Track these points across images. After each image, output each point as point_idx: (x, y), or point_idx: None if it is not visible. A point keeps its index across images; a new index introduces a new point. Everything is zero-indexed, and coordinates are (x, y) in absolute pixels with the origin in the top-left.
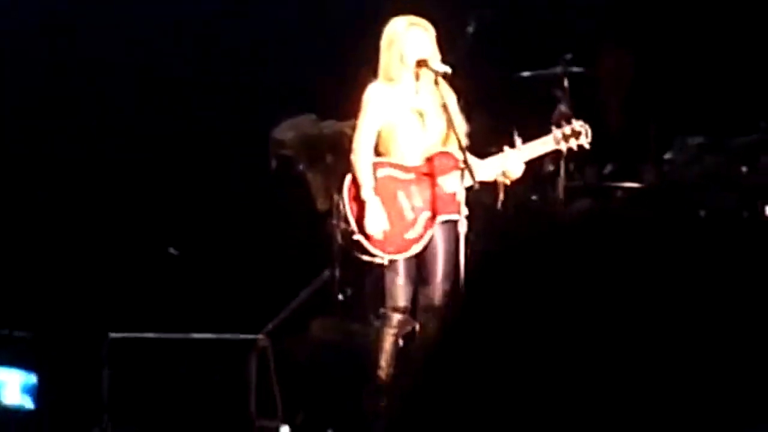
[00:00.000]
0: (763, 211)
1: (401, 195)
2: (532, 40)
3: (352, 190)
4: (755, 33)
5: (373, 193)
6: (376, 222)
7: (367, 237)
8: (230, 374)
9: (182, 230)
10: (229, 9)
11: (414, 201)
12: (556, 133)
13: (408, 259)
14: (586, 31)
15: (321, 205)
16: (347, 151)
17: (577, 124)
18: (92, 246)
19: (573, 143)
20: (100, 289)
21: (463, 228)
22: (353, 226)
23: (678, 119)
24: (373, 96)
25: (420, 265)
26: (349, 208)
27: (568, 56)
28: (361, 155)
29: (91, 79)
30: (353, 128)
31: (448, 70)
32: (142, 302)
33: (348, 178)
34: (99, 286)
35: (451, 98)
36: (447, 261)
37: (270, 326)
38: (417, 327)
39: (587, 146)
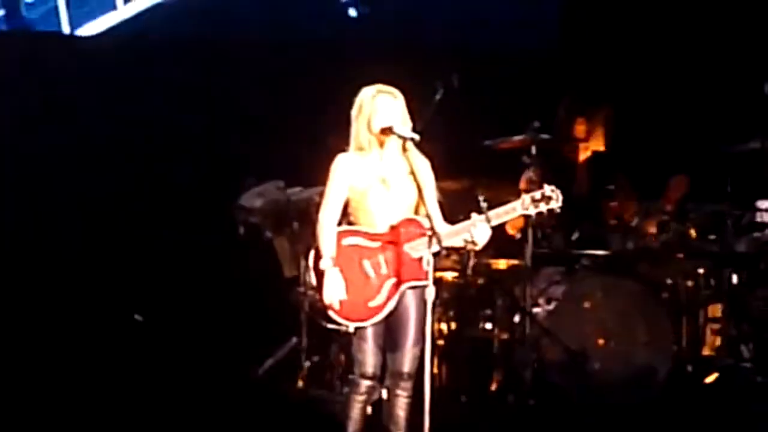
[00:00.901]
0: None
1: (366, 263)
2: (500, 106)
3: (317, 258)
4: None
5: (332, 263)
6: (333, 292)
7: (331, 305)
8: None
9: (149, 297)
10: (199, 74)
11: (379, 269)
12: (525, 198)
13: (376, 326)
14: (555, 98)
15: (288, 272)
16: (315, 218)
17: (548, 189)
18: (57, 314)
19: (543, 207)
20: (66, 356)
21: (431, 295)
22: (319, 294)
23: (642, 187)
24: (339, 165)
25: (390, 331)
26: (314, 277)
27: (536, 124)
28: (324, 225)
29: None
30: (321, 195)
31: (415, 136)
32: (108, 370)
33: (313, 249)
34: (65, 351)
35: (423, 165)
36: (417, 328)
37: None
38: (384, 394)
39: (557, 210)
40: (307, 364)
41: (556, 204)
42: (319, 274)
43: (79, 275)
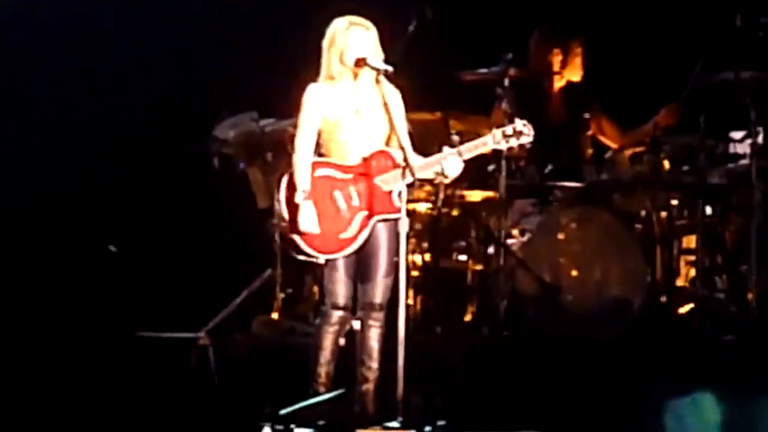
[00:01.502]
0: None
1: (338, 195)
2: (474, 37)
3: (288, 190)
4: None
5: (306, 195)
6: (308, 224)
7: (302, 236)
8: (172, 372)
9: (123, 228)
10: (174, 7)
11: (351, 201)
12: (496, 133)
13: (348, 257)
14: (527, 29)
15: (262, 203)
16: (289, 148)
17: (519, 123)
18: (36, 245)
19: (514, 142)
20: (44, 286)
21: (404, 227)
22: (289, 226)
23: (619, 117)
24: (311, 96)
25: (361, 263)
26: (285, 208)
27: (509, 55)
28: (300, 156)
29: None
30: (295, 126)
31: (388, 68)
32: (84, 301)
33: (285, 178)
34: (44, 284)
35: (394, 96)
36: (388, 259)
37: (211, 325)
38: (357, 325)
39: (528, 145)
40: (281, 295)
41: (527, 139)
42: (291, 206)
43: (56, 209)
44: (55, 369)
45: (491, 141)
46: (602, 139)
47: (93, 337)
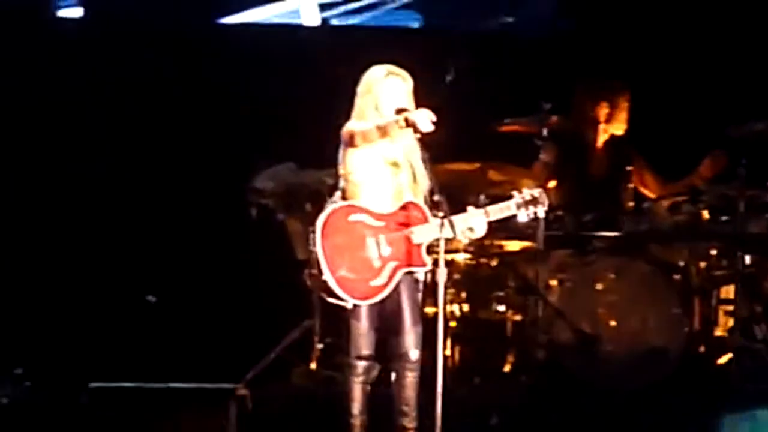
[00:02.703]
0: None
1: (370, 242)
2: (511, 88)
3: (324, 230)
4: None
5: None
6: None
7: (336, 280)
8: (209, 424)
9: (162, 279)
10: (212, 58)
11: (382, 249)
12: (517, 198)
13: (371, 308)
14: (566, 79)
15: (301, 254)
16: (327, 199)
17: (535, 192)
18: (74, 294)
19: (531, 211)
20: (81, 338)
21: (443, 277)
22: (323, 267)
23: (661, 169)
24: (350, 124)
25: (386, 315)
26: (320, 249)
27: (547, 105)
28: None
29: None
30: (333, 176)
31: (431, 128)
32: (121, 351)
33: (320, 220)
34: (80, 334)
35: (422, 152)
36: (413, 309)
37: (250, 375)
38: (393, 375)
39: (542, 215)
40: (320, 345)
41: (542, 208)
42: (329, 246)
43: (94, 258)
44: (96, 416)
45: (514, 206)
46: (644, 191)
47: (133, 389)
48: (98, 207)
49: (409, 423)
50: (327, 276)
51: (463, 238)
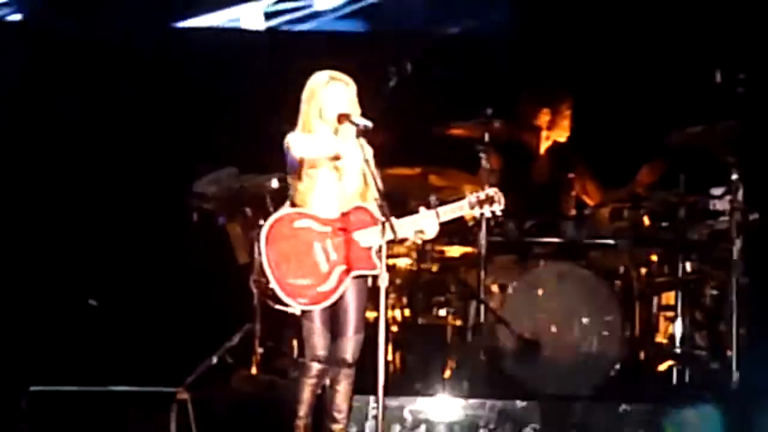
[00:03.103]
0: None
1: (317, 247)
2: (454, 94)
3: (269, 237)
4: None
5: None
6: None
7: (281, 286)
8: (150, 427)
9: (103, 282)
10: (152, 60)
11: (329, 254)
12: (471, 198)
13: (324, 310)
14: (507, 84)
15: (242, 258)
16: (268, 204)
17: (491, 191)
18: (14, 297)
19: (486, 209)
20: (21, 341)
21: (384, 282)
22: (268, 274)
23: (602, 176)
24: (294, 141)
25: (333, 318)
26: (265, 257)
27: (488, 111)
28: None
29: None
30: (274, 181)
31: (369, 124)
32: (62, 355)
33: (264, 228)
34: (21, 337)
35: (369, 153)
36: (358, 316)
37: (190, 379)
38: (327, 381)
39: (499, 213)
40: (260, 350)
41: (498, 207)
42: (275, 253)
43: (36, 260)
44: (36, 420)
45: (467, 206)
46: (585, 198)
47: (74, 392)
48: (42, 209)
49: (340, 429)
50: (273, 283)
51: (417, 239)
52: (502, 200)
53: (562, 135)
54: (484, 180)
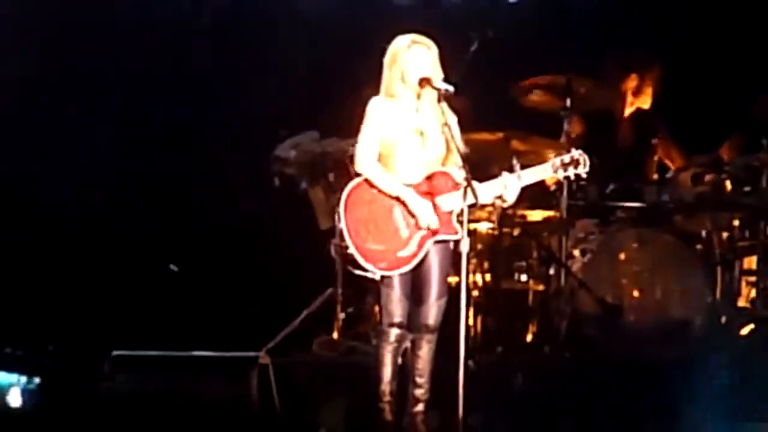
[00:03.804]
0: None
1: (397, 212)
2: (535, 58)
3: (348, 203)
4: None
5: (407, 190)
6: (426, 215)
7: (360, 251)
8: (231, 392)
9: (186, 248)
10: (233, 28)
11: (410, 219)
12: (555, 161)
13: (403, 276)
14: (591, 48)
15: (324, 223)
16: (350, 169)
17: (576, 153)
18: (96, 264)
19: (571, 172)
20: (103, 307)
21: (465, 247)
22: (347, 240)
23: (683, 138)
24: (375, 110)
25: (415, 284)
26: (344, 223)
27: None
28: (369, 165)
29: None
30: (355, 146)
31: (451, 89)
32: (144, 320)
33: (345, 191)
34: (103, 303)
35: (452, 118)
36: (441, 281)
37: (272, 344)
38: (409, 345)
39: (584, 175)
40: (342, 315)
41: (583, 169)
42: (354, 219)
43: (118, 228)
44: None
45: (550, 169)
46: (668, 163)
47: (155, 357)
48: (126, 176)
49: (422, 395)
50: (352, 248)
51: (499, 204)
52: (587, 162)
53: (646, 101)
54: (566, 145)
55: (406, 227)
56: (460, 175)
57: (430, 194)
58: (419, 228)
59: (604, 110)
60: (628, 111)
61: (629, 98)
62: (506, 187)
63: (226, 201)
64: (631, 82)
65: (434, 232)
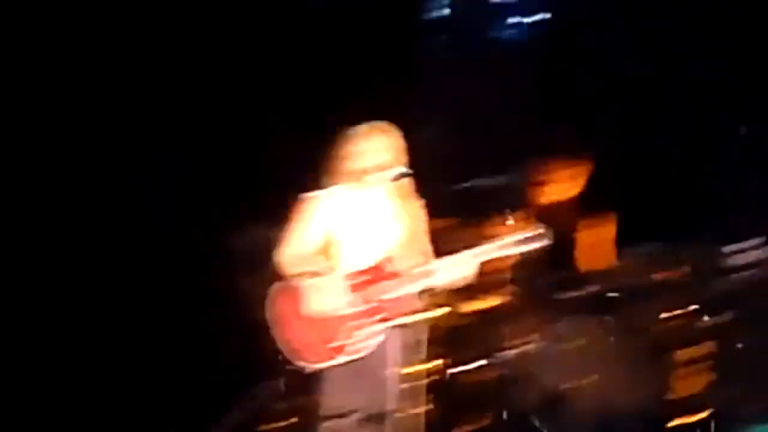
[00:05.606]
0: None
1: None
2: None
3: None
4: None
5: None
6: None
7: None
8: None
9: None
10: None
11: (349, 307)
12: (516, 236)
13: (346, 366)
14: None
15: None
16: None
17: (539, 228)
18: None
19: (532, 246)
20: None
21: (424, 332)
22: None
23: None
24: (320, 202)
25: (368, 371)
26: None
27: (518, 166)
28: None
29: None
30: None
31: (409, 172)
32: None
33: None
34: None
35: (413, 204)
36: (395, 367)
37: None
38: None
39: (546, 248)
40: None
41: (546, 242)
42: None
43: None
44: None
45: (512, 244)
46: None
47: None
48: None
49: None
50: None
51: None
52: (550, 236)
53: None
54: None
55: (359, 313)
56: (412, 260)
57: (380, 279)
58: (374, 313)
59: (545, 198)
60: (567, 197)
61: (567, 184)
62: (463, 264)
63: None
64: (565, 170)
65: (387, 318)
